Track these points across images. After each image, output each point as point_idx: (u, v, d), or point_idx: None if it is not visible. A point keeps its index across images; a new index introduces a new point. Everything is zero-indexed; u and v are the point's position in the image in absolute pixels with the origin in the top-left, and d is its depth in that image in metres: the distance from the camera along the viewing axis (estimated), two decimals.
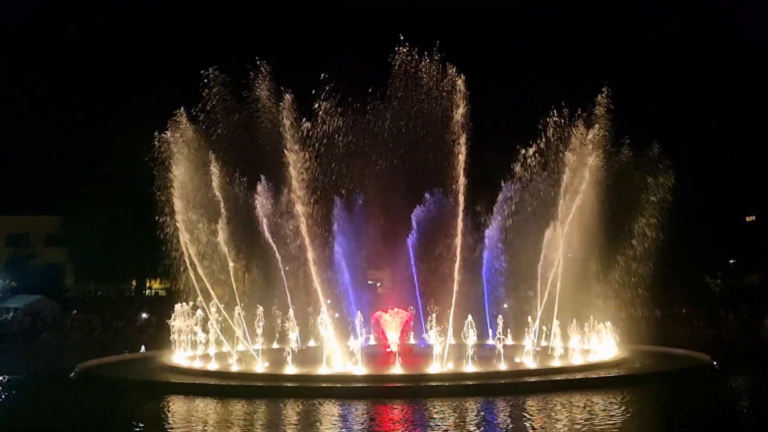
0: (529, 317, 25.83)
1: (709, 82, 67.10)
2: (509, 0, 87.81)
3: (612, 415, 16.11)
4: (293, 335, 25.00)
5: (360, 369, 21.45)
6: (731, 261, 61.14)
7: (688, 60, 69.94)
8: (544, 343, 25.74)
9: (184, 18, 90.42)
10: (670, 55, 72.19)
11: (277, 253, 27.88)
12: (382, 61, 32.16)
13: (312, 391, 19.73)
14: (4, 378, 24.38)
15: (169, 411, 17.87)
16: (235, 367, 23.38)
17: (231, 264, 27.60)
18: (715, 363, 24.09)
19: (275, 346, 29.40)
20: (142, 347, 31.16)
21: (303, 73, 32.39)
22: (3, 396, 20.96)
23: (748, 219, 63.68)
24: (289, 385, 20.75)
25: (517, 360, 23.43)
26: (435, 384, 20.35)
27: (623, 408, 17.23)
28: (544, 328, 26.01)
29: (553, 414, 16.44)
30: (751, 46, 68.61)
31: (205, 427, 15.81)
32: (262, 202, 27.78)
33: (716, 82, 67.11)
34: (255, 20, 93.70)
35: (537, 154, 29.37)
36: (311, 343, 30.40)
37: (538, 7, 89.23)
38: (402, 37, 31.81)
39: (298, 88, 27.97)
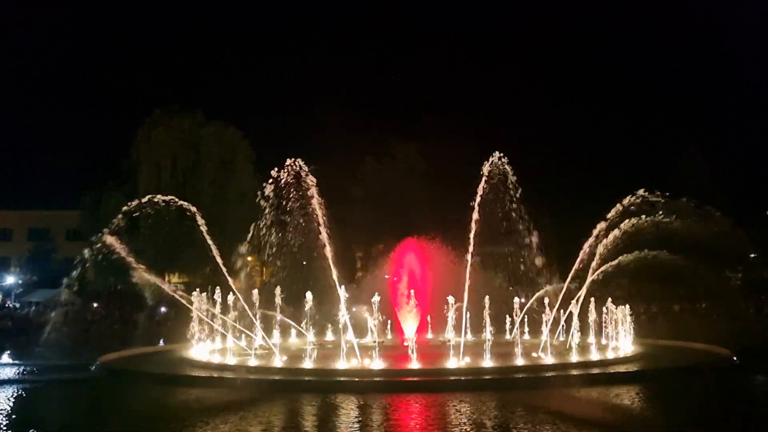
0: (545, 312, 25.66)
1: (711, 81, 66.68)
2: (509, 0, 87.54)
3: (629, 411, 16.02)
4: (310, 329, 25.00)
5: (377, 364, 21.47)
6: (752, 254, 60.48)
7: (689, 60, 69.53)
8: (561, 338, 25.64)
9: (183, 18, 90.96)
10: (670, 55, 71.80)
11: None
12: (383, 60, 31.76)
13: (330, 385, 19.83)
14: (26, 371, 24.75)
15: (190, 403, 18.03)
16: (253, 361, 23.49)
17: (249, 258, 27.58)
18: (735, 357, 23.83)
19: (293, 339, 29.56)
20: (161, 341, 31.46)
21: (303, 73, 32.32)
22: (24, 389, 21.24)
23: None
24: (307, 379, 20.88)
25: (534, 355, 23.35)
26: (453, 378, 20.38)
27: (641, 404, 17.12)
28: (563, 323, 25.89)
29: (569, 409, 16.40)
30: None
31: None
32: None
33: (721, 81, 66.61)
34: (255, 20, 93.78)
35: None
36: (328, 336, 30.55)
37: (538, 7, 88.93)
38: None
39: (297, 88, 27.43)
